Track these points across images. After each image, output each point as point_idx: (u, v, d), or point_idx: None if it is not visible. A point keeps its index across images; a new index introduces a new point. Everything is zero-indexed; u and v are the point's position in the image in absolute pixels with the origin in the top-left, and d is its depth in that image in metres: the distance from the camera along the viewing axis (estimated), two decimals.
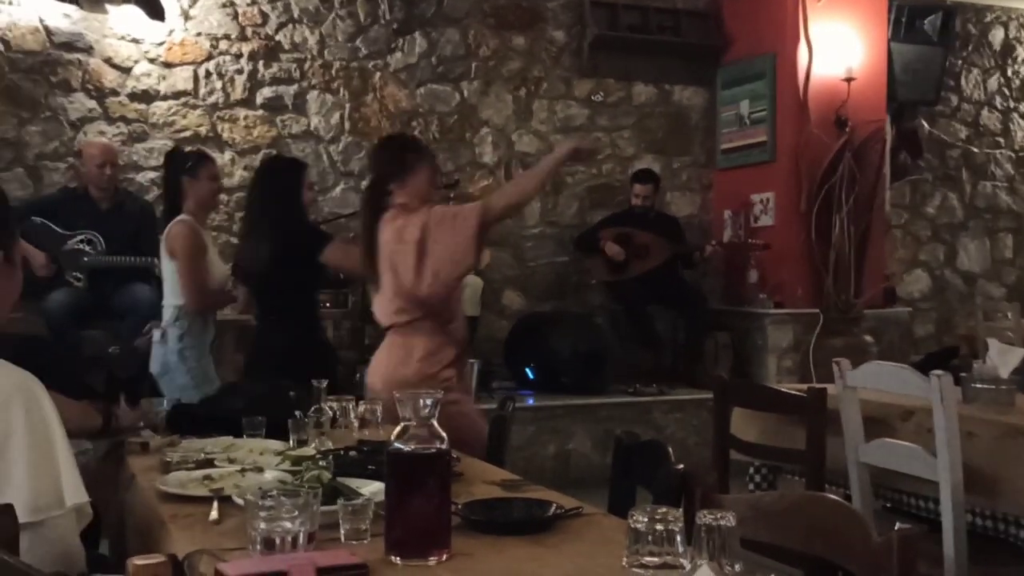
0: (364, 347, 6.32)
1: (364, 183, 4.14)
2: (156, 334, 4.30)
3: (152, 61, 6.22)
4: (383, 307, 3.45)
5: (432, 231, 3.27)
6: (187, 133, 6.28)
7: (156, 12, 6.09)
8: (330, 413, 2.71)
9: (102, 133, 6.07)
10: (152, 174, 6.22)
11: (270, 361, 3.90)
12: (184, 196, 4.26)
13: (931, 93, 7.65)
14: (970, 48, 8.21)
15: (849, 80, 6.67)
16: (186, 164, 4.34)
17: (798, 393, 3.20)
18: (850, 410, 3.04)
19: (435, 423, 1.64)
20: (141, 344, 4.48)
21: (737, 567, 1.27)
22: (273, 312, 4.07)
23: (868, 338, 6.73)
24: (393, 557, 1.61)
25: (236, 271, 4.29)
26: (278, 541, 1.57)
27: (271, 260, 3.88)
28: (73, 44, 6.06)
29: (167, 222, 4.30)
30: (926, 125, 7.91)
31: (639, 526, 1.34)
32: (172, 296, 4.28)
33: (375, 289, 3.56)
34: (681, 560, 1.32)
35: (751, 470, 3.67)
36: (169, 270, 4.27)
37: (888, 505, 3.19)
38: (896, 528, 1.49)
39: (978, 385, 3.11)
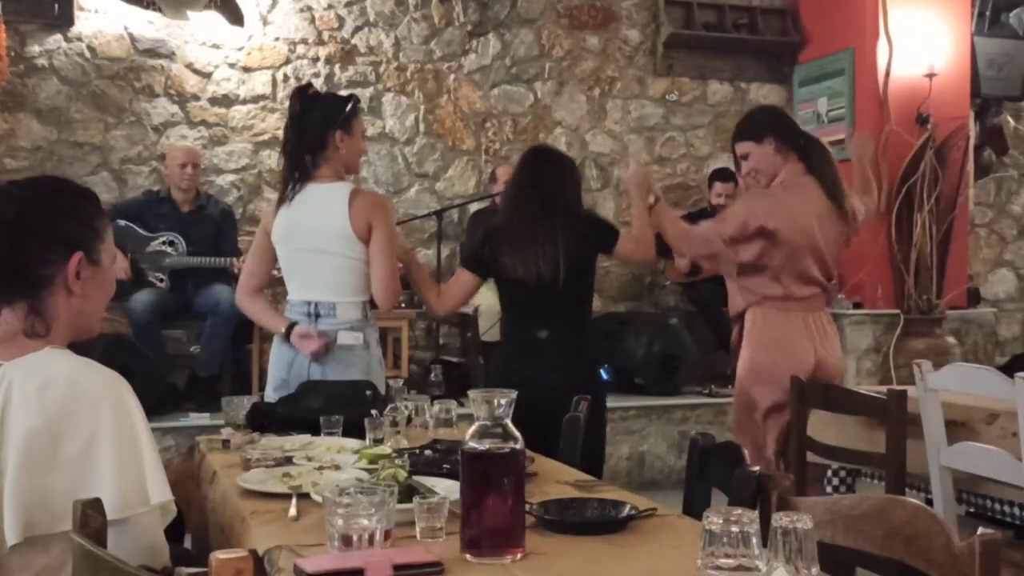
0: (439, 347, 6.38)
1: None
2: (350, 337, 3.28)
3: (232, 66, 6.34)
4: None
5: None
6: (266, 136, 6.39)
7: (236, 18, 6.22)
8: (405, 412, 2.73)
9: (184, 137, 6.20)
10: (232, 177, 6.34)
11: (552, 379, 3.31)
12: (327, 155, 3.33)
13: (1016, 88, 7.45)
14: None
15: (931, 76, 6.53)
16: (340, 111, 3.37)
17: (878, 395, 3.15)
18: (931, 413, 2.98)
19: (509, 422, 1.65)
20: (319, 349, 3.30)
21: (814, 570, 1.26)
22: (554, 321, 3.46)
23: (951, 339, 6.59)
24: (468, 555, 1.62)
25: (514, 273, 3.47)
26: (355, 538, 1.59)
27: (568, 258, 3.39)
28: (156, 50, 6.21)
29: (293, 185, 3.34)
30: (1011, 121, 7.70)
31: (714, 528, 1.33)
32: (359, 290, 3.33)
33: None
34: (757, 563, 1.31)
35: (829, 473, 3.62)
36: (357, 255, 3.28)
37: (971, 510, 3.12)
38: (979, 533, 1.46)
39: None
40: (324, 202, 3.29)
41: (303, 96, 3.41)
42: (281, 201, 3.36)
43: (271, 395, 3.27)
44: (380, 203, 3.36)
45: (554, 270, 3.38)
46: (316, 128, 3.33)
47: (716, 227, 3.59)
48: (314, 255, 3.30)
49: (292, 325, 3.30)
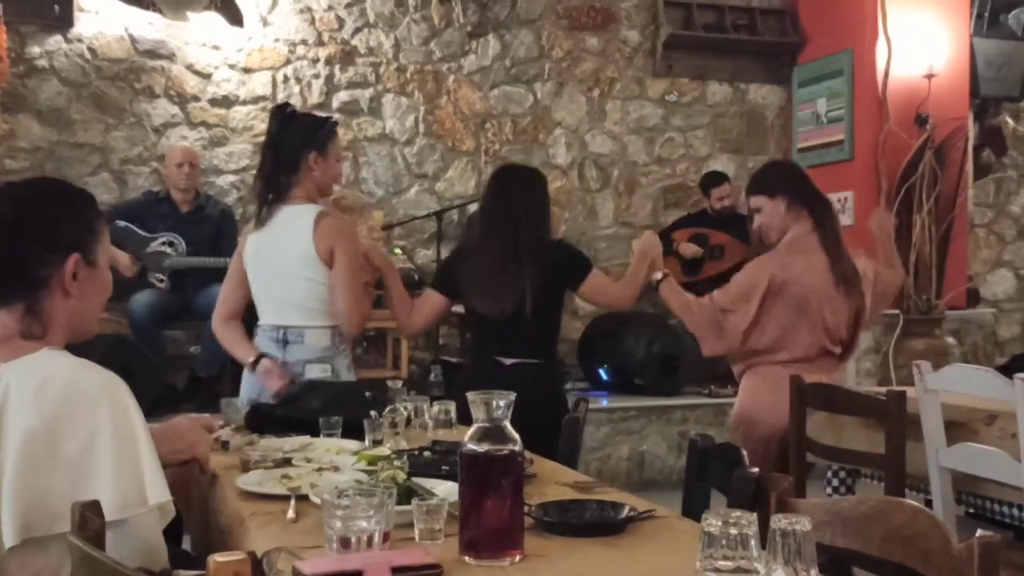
0: (439, 347, 6.38)
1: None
2: (318, 370, 3.22)
3: (232, 67, 6.34)
4: None
5: None
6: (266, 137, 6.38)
7: (236, 19, 6.22)
8: (405, 413, 2.73)
9: (184, 138, 6.20)
10: (232, 177, 6.35)
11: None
12: (299, 178, 3.27)
13: (1015, 89, 7.45)
14: None
15: (930, 77, 6.53)
16: (316, 133, 3.30)
17: (877, 396, 3.15)
18: (931, 414, 2.98)
19: (508, 424, 1.65)
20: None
21: (813, 572, 1.26)
22: (519, 352, 3.42)
23: (950, 340, 6.58)
24: (467, 557, 1.62)
25: (479, 309, 3.46)
26: (354, 540, 1.59)
27: (536, 290, 3.35)
28: (156, 51, 6.21)
29: (266, 207, 3.29)
30: (1011, 121, 7.70)
31: (713, 529, 1.33)
32: (328, 315, 3.27)
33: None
34: (755, 564, 1.31)
35: (829, 474, 3.62)
36: (320, 279, 3.24)
37: (970, 511, 3.12)
38: (978, 535, 1.46)
39: None
40: (292, 225, 3.23)
41: (280, 115, 3.35)
42: (257, 223, 3.31)
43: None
44: (343, 229, 3.28)
45: (518, 306, 3.36)
46: (291, 148, 3.27)
47: (717, 297, 3.61)
48: (281, 278, 3.25)
49: (260, 357, 3.24)
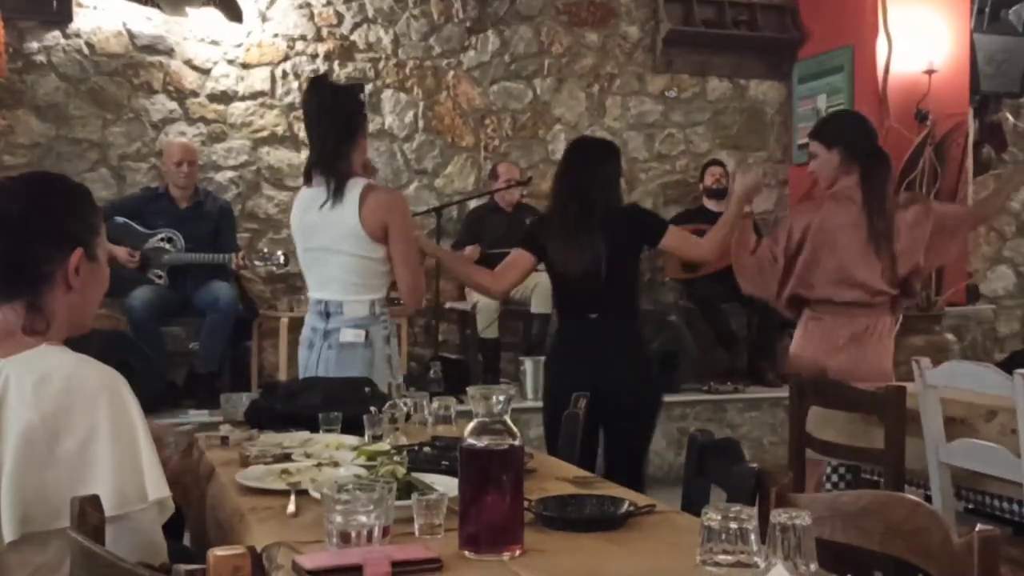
0: (438, 344, 6.37)
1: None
2: (351, 335, 3.27)
3: (230, 62, 6.33)
4: None
5: None
6: (264, 133, 6.39)
7: (234, 14, 6.21)
8: (404, 409, 2.73)
9: (182, 134, 6.20)
10: (231, 173, 6.34)
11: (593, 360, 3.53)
12: (351, 148, 3.24)
13: (1016, 85, 7.43)
14: None
15: (930, 73, 6.52)
16: (360, 103, 3.31)
17: (877, 392, 3.15)
18: (930, 410, 2.98)
19: (507, 419, 1.65)
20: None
21: (812, 567, 1.26)
22: (601, 308, 3.59)
23: (950, 336, 6.58)
24: (467, 552, 1.62)
25: (559, 268, 3.62)
26: (354, 535, 1.59)
27: (611, 250, 3.51)
28: (154, 47, 6.20)
29: (327, 177, 3.22)
30: (1011, 118, 7.70)
31: (713, 524, 1.33)
32: (368, 289, 3.29)
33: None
34: (755, 559, 1.31)
35: (828, 470, 3.62)
36: (367, 253, 3.24)
37: (970, 507, 3.12)
38: (977, 530, 1.46)
39: None
40: (339, 200, 3.21)
41: (325, 85, 3.36)
42: (329, 197, 3.23)
43: None
44: (393, 202, 3.27)
45: (595, 265, 3.50)
46: (347, 118, 3.24)
47: (766, 243, 3.77)
48: (324, 254, 3.27)
49: None
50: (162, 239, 5.55)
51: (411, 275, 3.28)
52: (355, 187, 3.22)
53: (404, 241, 3.24)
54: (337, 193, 3.20)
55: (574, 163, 3.65)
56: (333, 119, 3.22)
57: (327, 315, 3.29)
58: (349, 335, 3.25)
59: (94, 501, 1.59)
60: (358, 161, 3.29)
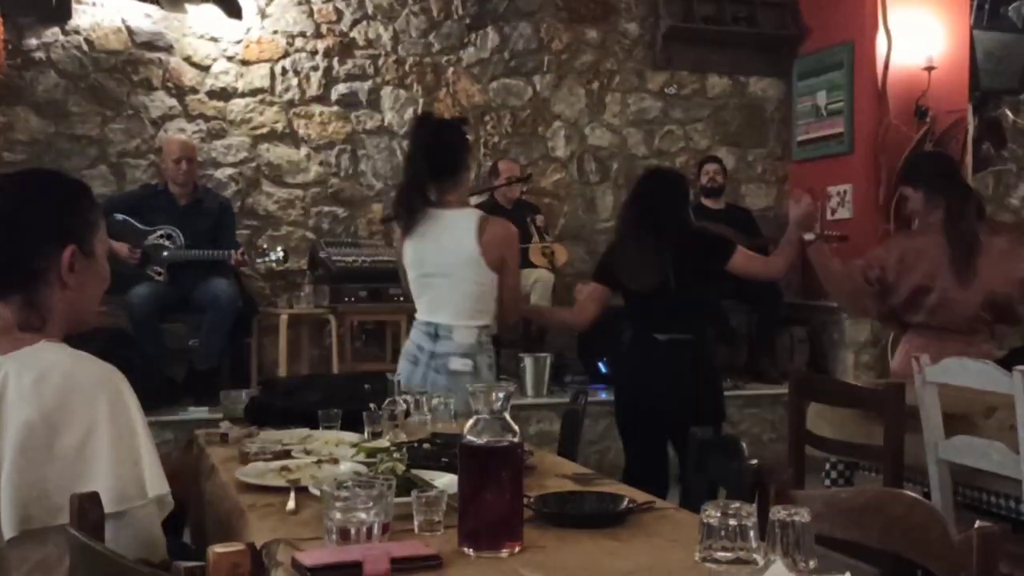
0: None
1: None
2: (459, 363, 3.37)
3: (230, 59, 6.32)
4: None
5: None
6: (264, 130, 6.39)
7: (234, 11, 6.21)
8: (404, 406, 2.73)
9: (182, 130, 6.19)
10: (230, 170, 6.34)
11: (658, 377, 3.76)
12: (455, 182, 3.45)
13: (1015, 82, 7.44)
14: None
15: (930, 69, 6.52)
16: (466, 138, 3.58)
17: (876, 389, 3.15)
18: (929, 406, 2.98)
19: (507, 416, 1.65)
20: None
21: (811, 563, 1.26)
22: (662, 328, 3.81)
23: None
24: (466, 549, 1.62)
25: (631, 286, 3.85)
26: (353, 531, 1.59)
27: (679, 272, 3.73)
28: (154, 43, 6.19)
29: (419, 214, 3.40)
30: (1010, 114, 7.69)
31: (712, 521, 1.34)
32: (478, 314, 3.41)
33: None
34: (754, 555, 1.32)
35: (827, 466, 3.62)
36: (482, 280, 3.38)
37: (969, 503, 3.12)
38: (976, 526, 1.46)
39: None
40: (453, 229, 3.37)
41: (429, 123, 3.57)
42: (407, 231, 3.43)
43: None
44: (509, 236, 3.48)
45: (664, 286, 3.71)
46: (450, 155, 3.43)
47: (860, 265, 3.88)
48: (439, 279, 3.40)
49: None
50: (161, 236, 5.54)
51: (518, 299, 3.65)
52: (470, 216, 3.42)
53: (516, 272, 3.53)
54: (450, 222, 3.38)
55: (644, 191, 3.90)
56: (441, 152, 3.40)
57: (436, 336, 3.40)
58: (457, 363, 3.37)
59: (93, 498, 1.59)
60: (464, 190, 3.54)
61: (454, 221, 3.38)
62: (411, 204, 3.40)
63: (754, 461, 1.99)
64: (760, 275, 4.06)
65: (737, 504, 1.36)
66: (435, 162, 3.38)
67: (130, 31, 6.15)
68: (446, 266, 3.36)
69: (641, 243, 3.77)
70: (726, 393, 6.19)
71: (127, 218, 5.53)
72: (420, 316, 3.49)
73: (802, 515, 1.27)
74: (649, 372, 3.80)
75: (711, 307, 4.01)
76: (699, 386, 3.82)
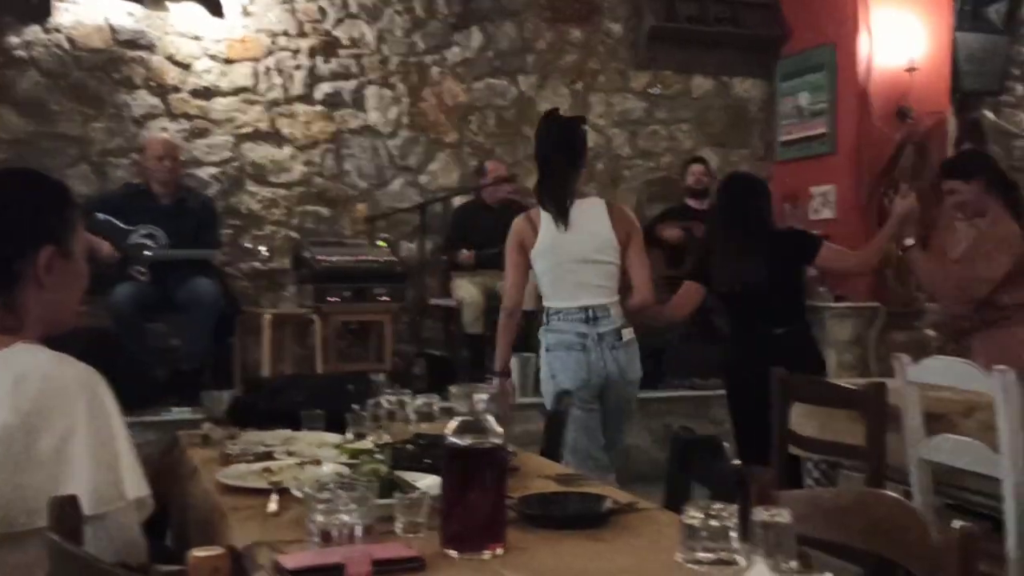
0: (422, 340, 6.37)
1: None
2: (629, 333, 3.76)
3: (213, 58, 6.30)
4: None
5: None
6: (247, 129, 6.36)
7: (216, 9, 6.19)
8: (387, 407, 2.73)
9: (164, 129, 6.16)
10: (213, 169, 6.31)
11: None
12: (580, 173, 3.79)
13: (996, 83, 7.49)
14: None
15: (911, 70, 6.55)
16: (584, 133, 3.92)
17: (858, 388, 3.16)
18: (911, 406, 3.00)
19: (491, 417, 1.65)
20: None
21: (793, 564, 1.26)
22: (763, 322, 4.06)
23: (930, 332, 6.61)
24: (449, 550, 1.62)
25: (727, 285, 4.13)
26: (335, 533, 1.58)
27: (771, 269, 3.98)
28: (136, 42, 6.16)
29: (567, 199, 3.70)
30: (991, 115, 7.73)
31: (693, 522, 1.34)
32: (616, 292, 3.77)
33: None
34: (736, 556, 1.32)
35: (810, 466, 3.63)
36: (617, 260, 3.74)
37: (950, 503, 3.14)
38: (957, 526, 1.47)
39: None
40: (587, 216, 3.69)
41: (559, 119, 3.83)
42: (555, 222, 3.67)
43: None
44: (633, 216, 3.87)
45: (757, 284, 3.97)
46: (580, 149, 3.77)
47: (981, 273, 3.89)
48: (584, 265, 3.68)
49: (506, 373, 3.86)
50: (144, 235, 5.51)
51: (649, 273, 3.83)
52: (597, 204, 3.78)
53: (643, 247, 3.81)
54: (586, 209, 3.70)
55: (730, 196, 4.24)
56: (566, 148, 3.71)
57: (594, 319, 3.67)
58: (628, 334, 3.74)
59: (72, 501, 1.57)
60: (584, 181, 3.84)
61: (589, 208, 3.72)
62: (557, 197, 3.68)
63: (736, 462, 2.00)
64: (847, 269, 4.35)
65: (718, 505, 1.36)
66: (572, 156, 3.70)
67: (112, 29, 6.12)
68: (591, 251, 3.68)
69: (736, 245, 4.04)
70: (713, 393, 6.28)
71: (109, 217, 5.49)
72: (565, 303, 3.69)
73: (784, 515, 1.27)
74: (752, 362, 3.85)
75: (801, 300, 4.26)
76: (818, 370, 4.07)
